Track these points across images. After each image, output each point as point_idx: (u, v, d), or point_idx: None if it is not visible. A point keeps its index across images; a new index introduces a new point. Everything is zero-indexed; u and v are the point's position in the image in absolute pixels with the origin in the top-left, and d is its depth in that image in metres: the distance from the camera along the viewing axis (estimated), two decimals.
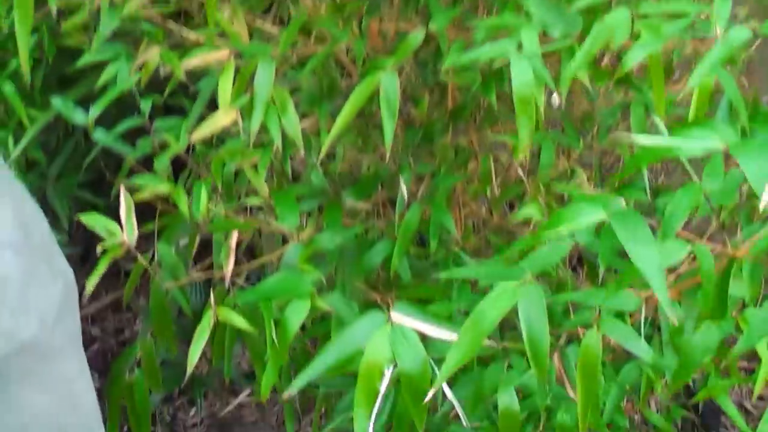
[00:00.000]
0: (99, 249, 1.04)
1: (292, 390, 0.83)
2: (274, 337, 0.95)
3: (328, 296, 1.02)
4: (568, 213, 0.76)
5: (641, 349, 0.90)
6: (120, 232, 1.05)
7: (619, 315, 0.92)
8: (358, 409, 0.79)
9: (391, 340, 0.78)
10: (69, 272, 1.17)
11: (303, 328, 1.38)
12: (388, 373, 0.78)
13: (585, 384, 0.85)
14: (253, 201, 1.18)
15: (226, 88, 1.03)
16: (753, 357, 1.02)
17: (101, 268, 1.04)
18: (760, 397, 2.26)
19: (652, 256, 0.69)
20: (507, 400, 1.05)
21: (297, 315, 0.95)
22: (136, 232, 1.05)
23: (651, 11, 0.92)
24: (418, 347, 0.78)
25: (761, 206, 0.66)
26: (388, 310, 0.81)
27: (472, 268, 0.88)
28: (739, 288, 0.87)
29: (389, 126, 0.97)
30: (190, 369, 0.97)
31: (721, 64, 0.89)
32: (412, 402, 0.79)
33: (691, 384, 2.06)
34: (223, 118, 1.04)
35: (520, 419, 1.06)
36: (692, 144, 0.74)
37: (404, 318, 0.79)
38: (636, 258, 0.69)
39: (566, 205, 0.79)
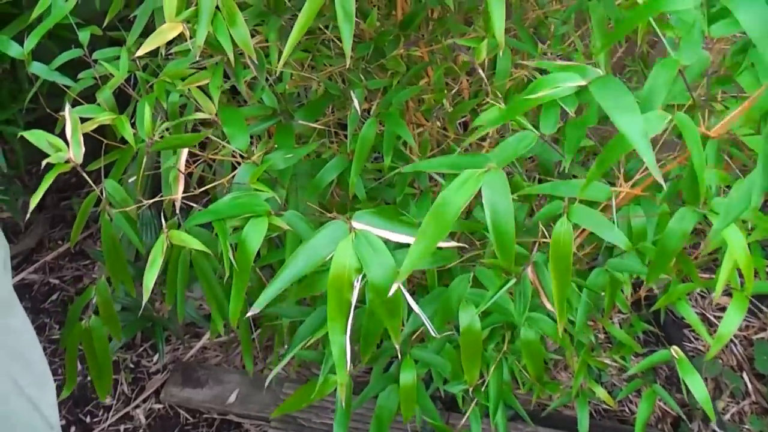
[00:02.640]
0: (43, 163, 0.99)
1: (256, 309, 0.79)
2: (233, 259, 0.91)
3: (284, 214, 0.98)
4: (547, 80, 0.73)
5: (614, 236, 0.88)
6: (66, 148, 1.00)
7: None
8: (332, 323, 0.76)
9: (355, 247, 0.75)
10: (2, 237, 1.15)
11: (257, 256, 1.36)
12: (357, 284, 0.75)
13: (558, 275, 0.84)
14: (199, 115, 1.13)
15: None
16: (714, 267, 1.01)
17: (45, 184, 0.99)
18: (722, 308, 2.28)
19: (637, 121, 0.67)
20: (468, 318, 1.03)
21: (256, 233, 0.91)
22: (82, 150, 1.01)
23: None
24: (385, 253, 0.75)
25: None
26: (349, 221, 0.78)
27: (435, 161, 0.84)
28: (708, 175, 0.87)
29: (347, 29, 0.92)
30: (146, 297, 0.93)
31: None
32: (384, 311, 0.77)
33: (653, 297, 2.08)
34: (169, 32, 0.98)
35: (481, 337, 1.04)
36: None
37: (366, 225, 0.77)
38: (620, 123, 0.67)
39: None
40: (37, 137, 0.99)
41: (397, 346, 0.79)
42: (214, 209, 0.96)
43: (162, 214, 1.32)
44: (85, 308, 1.28)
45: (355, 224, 0.77)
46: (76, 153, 0.99)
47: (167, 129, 1.12)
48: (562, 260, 0.83)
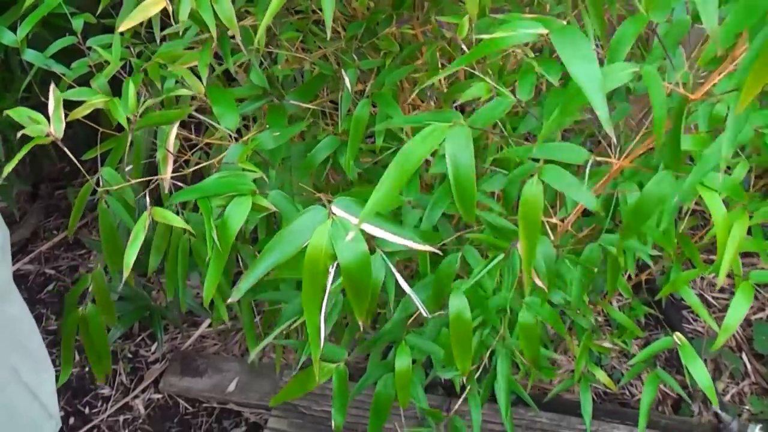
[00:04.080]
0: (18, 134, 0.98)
1: (237, 295, 0.80)
2: (215, 237, 0.90)
3: (269, 194, 0.98)
4: (511, 23, 0.72)
5: (584, 196, 0.88)
6: (46, 123, 0.99)
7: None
8: (307, 305, 0.77)
9: (331, 233, 0.75)
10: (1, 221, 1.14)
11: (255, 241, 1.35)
12: (332, 269, 0.76)
13: (526, 230, 0.85)
14: (182, 92, 1.11)
15: None
16: (714, 250, 1.00)
17: (21, 153, 0.99)
18: (721, 290, 2.27)
19: (593, 71, 0.66)
20: (457, 304, 1.03)
21: (238, 213, 0.90)
22: (63, 125, 1.00)
23: None
24: (359, 240, 0.75)
25: None
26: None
27: (409, 117, 0.85)
28: (691, 141, 0.86)
29: (329, 8, 0.91)
30: (125, 274, 0.92)
31: None
32: (352, 295, 0.78)
33: (654, 280, 2.07)
34: (152, 6, 0.97)
35: (471, 324, 1.04)
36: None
37: (345, 213, 0.77)
38: (575, 73, 0.66)
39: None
40: (19, 114, 0.99)
41: (361, 325, 0.80)
42: (198, 187, 0.95)
43: (158, 201, 1.31)
44: (82, 296, 1.27)
45: (334, 209, 0.77)
46: (56, 128, 0.99)
47: (154, 105, 1.11)
48: (530, 218, 0.84)
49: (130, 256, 0.92)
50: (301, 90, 1.24)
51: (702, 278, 2.33)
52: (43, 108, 1.27)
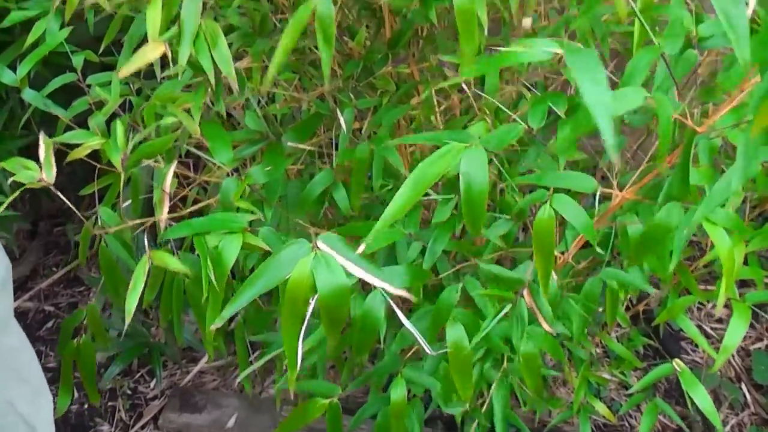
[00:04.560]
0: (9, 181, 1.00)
1: (220, 321, 0.82)
2: (211, 276, 0.92)
3: (259, 231, 1.00)
4: (527, 42, 0.74)
5: (586, 227, 0.93)
6: (38, 170, 1.01)
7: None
8: (286, 333, 0.80)
9: (313, 266, 0.77)
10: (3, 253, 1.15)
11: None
12: (312, 301, 0.78)
13: (542, 256, 0.90)
14: (168, 120, 1.13)
15: (154, 19, 0.98)
16: (711, 280, 1.01)
17: (11, 197, 1.01)
18: (719, 320, 2.28)
19: (603, 95, 0.67)
20: (455, 334, 1.05)
21: (231, 249, 0.93)
22: (54, 171, 1.02)
23: None
24: (339, 273, 0.77)
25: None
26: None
27: (421, 135, 0.89)
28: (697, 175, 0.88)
29: (326, 54, 0.93)
30: (127, 320, 0.94)
31: None
32: (327, 323, 0.80)
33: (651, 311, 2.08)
34: (152, 51, 0.99)
35: (470, 354, 1.06)
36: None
37: (328, 248, 0.79)
38: (586, 95, 0.67)
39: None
40: (12, 164, 1.01)
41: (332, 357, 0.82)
42: (191, 224, 0.98)
43: (155, 237, 1.32)
44: (79, 329, 1.30)
45: (318, 243, 0.79)
46: (48, 174, 1.01)
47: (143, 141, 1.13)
48: (544, 242, 0.89)
49: (132, 302, 0.93)
50: (298, 129, 1.25)
51: (700, 309, 2.34)
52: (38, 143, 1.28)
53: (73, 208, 1.13)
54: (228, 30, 1.24)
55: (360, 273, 0.79)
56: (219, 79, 1.04)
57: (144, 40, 1.24)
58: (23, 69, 1.32)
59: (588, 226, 0.93)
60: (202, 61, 0.97)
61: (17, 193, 0.99)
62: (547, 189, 0.94)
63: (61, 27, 1.31)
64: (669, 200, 0.87)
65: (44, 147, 1.00)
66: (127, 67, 0.96)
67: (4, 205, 0.99)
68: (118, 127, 1.07)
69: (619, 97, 0.75)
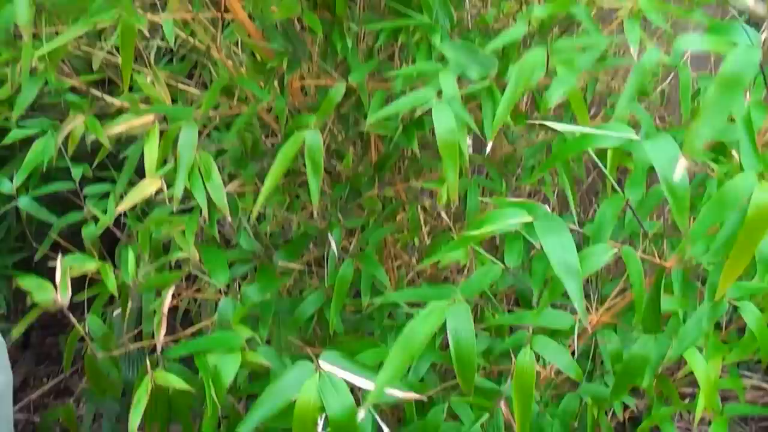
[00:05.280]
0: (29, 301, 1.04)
1: None
2: (213, 393, 0.95)
3: (259, 350, 1.03)
4: (494, 215, 0.77)
5: (569, 366, 0.93)
6: (53, 290, 1.05)
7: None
8: None
9: (319, 388, 0.79)
10: (8, 368, 1.18)
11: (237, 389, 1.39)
12: (321, 422, 0.80)
13: (521, 400, 0.88)
14: (177, 255, 1.17)
15: (152, 153, 1.04)
16: (695, 383, 1.05)
17: (29, 318, 1.04)
18: (709, 422, 2.28)
19: (570, 260, 0.72)
20: None
21: (229, 368, 0.96)
22: (69, 293, 1.06)
23: (564, 46, 0.94)
24: (346, 394, 0.79)
25: (676, 176, 0.68)
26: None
27: (405, 292, 0.91)
28: (670, 302, 0.91)
29: (315, 184, 0.98)
30: None
31: (638, 90, 0.92)
32: None
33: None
34: (149, 186, 1.04)
35: None
36: (610, 134, 0.77)
37: (332, 367, 0.81)
38: (555, 261, 0.72)
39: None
40: (28, 282, 1.04)
41: None
42: (191, 344, 1.01)
43: (145, 352, 1.35)
44: None
45: (322, 364, 0.81)
46: (63, 297, 1.04)
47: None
48: (525, 390, 0.87)
49: (134, 421, 0.96)
50: (288, 249, 1.30)
51: (689, 412, 2.34)
52: (38, 263, 1.32)
53: (70, 316, 1.16)
54: (219, 151, 1.30)
55: (368, 385, 0.80)
56: (212, 207, 1.08)
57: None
58: (20, 177, 1.37)
59: (571, 365, 0.95)
60: (196, 194, 1.03)
61: (29, 319, 1.02)
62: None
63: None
64: (643, 328, 0.91)
65: (60, 269, 1.04)
66: (126, 202, 1.01)
67: (21, 329, 1.02)
68: (130, 255, 1.11)
69: (587, 256, 0.78)
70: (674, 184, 0.69)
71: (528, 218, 0.76)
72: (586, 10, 0.96)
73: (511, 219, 0.76)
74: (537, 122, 0.99)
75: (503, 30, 1.30)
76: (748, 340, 1.07)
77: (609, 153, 0.96)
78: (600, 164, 0.91)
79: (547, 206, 0.79)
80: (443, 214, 1.29)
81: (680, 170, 0.67)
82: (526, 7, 1.25)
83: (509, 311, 1.66)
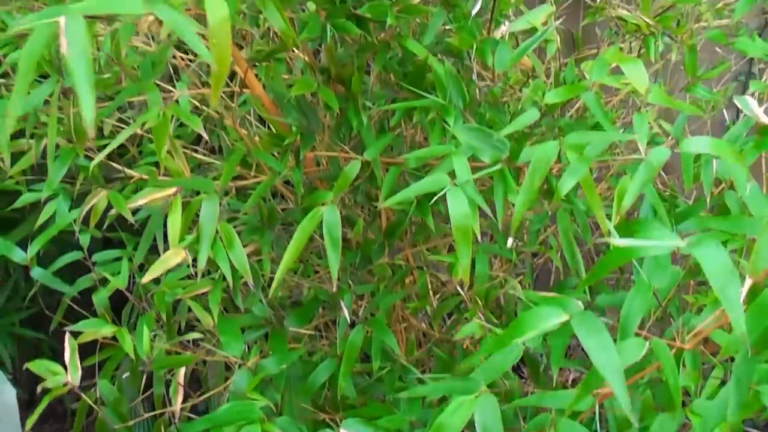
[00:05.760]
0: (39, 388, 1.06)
1: None
2: None
3: (277, 420, 1.04)
4: (532, 317, 0.80)
5: None
6: (64, 372, 1.07)
7: (572, 414, 0.96)
8: None
9: None
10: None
11: None
12: None
13: None
14: (194, 335, 1.20)
15: (174, 225, 1.06)
16: None
17: (42, 406, 1.06)
18: None
19: (612, 360, 0.74)
20: None
21: None
22: (79, 373, 1.08)
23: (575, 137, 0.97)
24: None
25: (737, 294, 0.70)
26: (338, 427, 0.84)
27: (429, 386, 0.93)
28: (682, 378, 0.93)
29: (334, 258, 1.01)
30: None
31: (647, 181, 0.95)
32: None
33: None
34: (173, 258, 1.07)
35: None
36: (657, 243, 0.79)
37: None
38: (597, 361, 0.74)
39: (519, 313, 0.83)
40: (38, 366, 1.06)
41: None
42: (210, 418, 1.02)
43: (152, 407, 1.36)
44: None
45: None
46: (73, 377, 1.06)
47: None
48: None
49: None
50: (299, 314, 1.32)
51: None
52: (41, 312, 1.32)
53: (83, 395, 1.18)
54: (233, 217, 1.33)
55: None
56: (237, 277, 1.11)
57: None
58: (33, 248, 1.39)
59: None
60: (220, 263, 1.05)
61: (45, 403, 1.03)
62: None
63: (70, 209, 1.38)
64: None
65: (69, 348, 1.06)
66: (149, 274, 1.04)
67: (34, 417, 1.04)
68: (144, 330, 1.13)
69: (621, 352, 0.79)
70: (731, 296, 0.70)
71: (565, 317, 0.78)
72: (596, 98, 1.00)
73: (549, 320, 0.78)
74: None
75: (511, 101, 1.35)
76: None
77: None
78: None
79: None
80: (454, 282, 1.31)
81: (745, 291, 0.70)
82: (532, 80, 1.29)
83: (514, 369, 1.68)
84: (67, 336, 1.10)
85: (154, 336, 1.25)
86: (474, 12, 1.23)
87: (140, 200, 1.09)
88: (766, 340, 0.73)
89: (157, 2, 0.67)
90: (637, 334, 0.85)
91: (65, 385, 1.07)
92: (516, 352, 0.89)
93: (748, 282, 0.69)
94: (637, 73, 1.00)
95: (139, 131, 1.23)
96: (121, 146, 1.40)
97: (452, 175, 0.97)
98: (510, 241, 1.04)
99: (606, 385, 1.05)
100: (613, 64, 1.14)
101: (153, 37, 1.33)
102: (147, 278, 1.05)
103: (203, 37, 0.70)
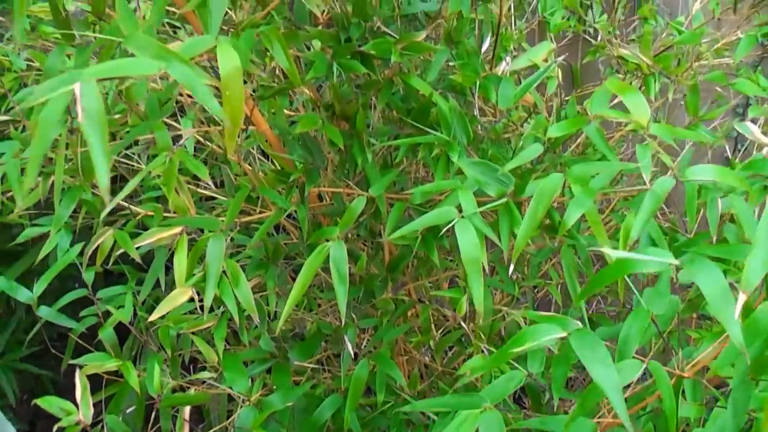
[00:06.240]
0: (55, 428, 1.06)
1: None
2: None
3: None
4: (531, 331, 0.80)
5: None
6: (76, 410, 1.07)
7: None
8: None
9: None
10: None
11: None
12: None
13: None
14: (205, 375, 1.21)
15: (181, 264, 1.07)
16: None
17: None
18: None
19: (611, 374, 0.75)
20: None
21: None
22: (92, 411, 1.08)
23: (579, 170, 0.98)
24: None
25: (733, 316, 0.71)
26: None
27: (433, 401, 0.94)
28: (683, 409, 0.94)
29: (342, 293, 1.02)
30: None
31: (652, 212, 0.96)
32: None
33: None
34: (180, 296, 1.08)
35: None
36: (652, 260, 0.79)
37: None
38: (596, 376, 0.75)
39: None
40: (48, 403, 1.07)
41: None
42: None
43: None
44: None
45: None
46: (85, 415, 1.07)
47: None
48: None
49: None
50: (303, 348, 1.33)
51: None
52: (44, 348, 1.32)
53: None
54: (237, 251, 1.33)
55: None
56: (242, 314, 1.12)
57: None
58: (39, 288, 1.40)
59: None
60: (226, 301, 1.06)
61: None
62: None
63: (72, 243, 1.39)
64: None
65: (81, 386, 1.06)
66: (157, 312, 1.04)
67: None
68: (155, 369, 1.14)
69: (618, 372, 0.79)
70: (729, 318, 0.71)
71: (563, 333, 0.79)
72: (599, 131, 1.01)
73: (546, 335, 0.79)
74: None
75: (513, 137, 1.36)
76: None
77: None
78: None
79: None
80: (459, 320, 1.32)
81: (738, 310, 0.71)
82: (534, 116, 1.30)
83: (516, 400, 1.69)
84: (78, 373, 1.10)
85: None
86: (484, 49, 1.24)
87: (147, 240, 1.09)
88: (763, 360, 0.74)
89: (171, 60, 0.68)
90: None
91: (78, 423, 1.07)
92: (518, 378, 0.91)
93: (742, 297, 0.70)
94: (639, 105, 1.01)
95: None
96: (123, 179, 1.42)
97: (458, 209, 0.98)
98: (510, 270, 1.04)
99: (607, 415, 1.08)
100: (615, 100, 1.16)
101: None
102: (155, 316, 1.06)
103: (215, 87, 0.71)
